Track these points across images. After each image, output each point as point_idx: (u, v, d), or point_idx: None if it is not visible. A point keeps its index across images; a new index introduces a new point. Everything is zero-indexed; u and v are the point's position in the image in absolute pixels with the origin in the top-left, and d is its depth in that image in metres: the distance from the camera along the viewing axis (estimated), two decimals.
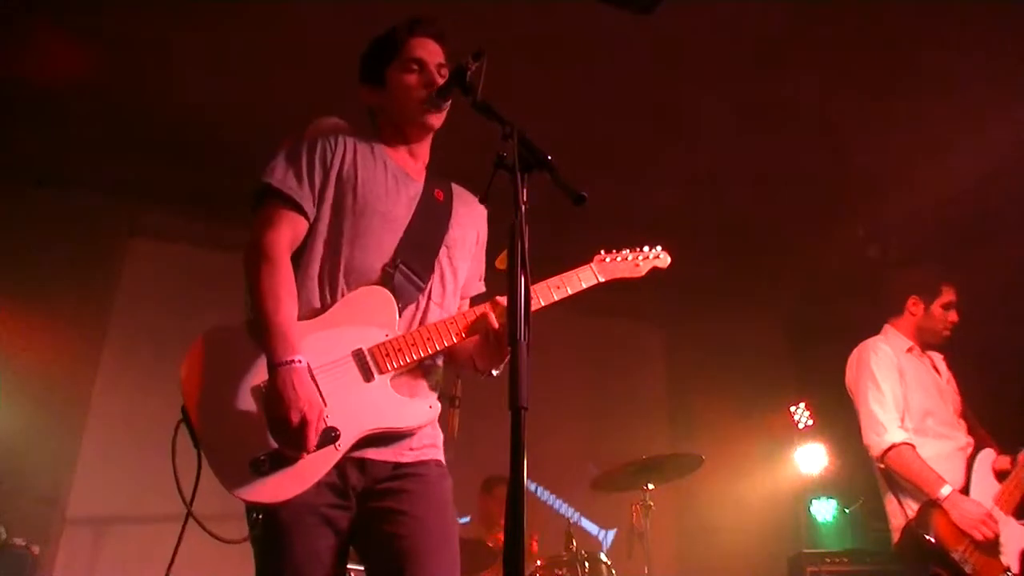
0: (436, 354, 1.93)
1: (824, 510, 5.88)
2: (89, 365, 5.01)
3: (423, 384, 1.94)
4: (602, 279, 2.17)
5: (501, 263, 1.88)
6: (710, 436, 5.88)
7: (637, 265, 2.27)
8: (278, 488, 1.68)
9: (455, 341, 1.91)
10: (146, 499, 4.71)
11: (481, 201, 1.71)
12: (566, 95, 4.51)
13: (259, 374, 1.74)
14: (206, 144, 4.90)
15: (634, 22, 3.95)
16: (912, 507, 3.21)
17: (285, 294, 1.79)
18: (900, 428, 3.27)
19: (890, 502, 3.33)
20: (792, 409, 6.15)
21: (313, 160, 1.95)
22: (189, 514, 1.69)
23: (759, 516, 6.09)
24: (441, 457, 1.98)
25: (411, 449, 1.90)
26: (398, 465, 1.87)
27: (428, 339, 1.88)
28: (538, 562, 4.02)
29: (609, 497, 4.70)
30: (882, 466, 3.30)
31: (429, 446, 1.94)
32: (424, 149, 2.15)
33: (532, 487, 5.82)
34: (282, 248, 1.84)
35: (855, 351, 3.56)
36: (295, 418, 1.65)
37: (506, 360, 1.88)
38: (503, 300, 1.91)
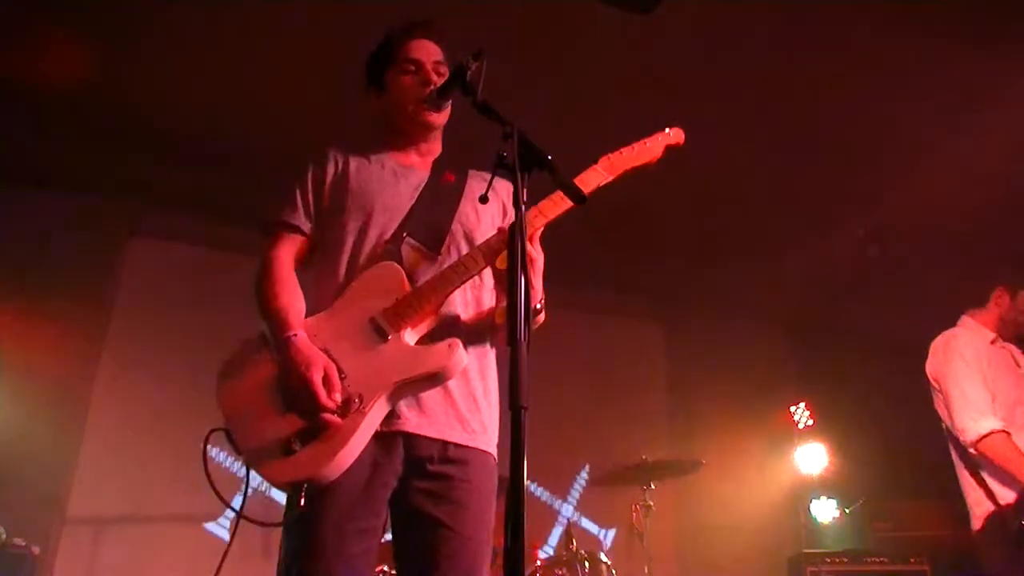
0: (448, 300, 1.90)
1: (824, 510, 5.88)
2: (89, 365, 4.99)
3: (443, 333, 1.89)
4: (611, 177, 2.03)
5: (501, 263, 1.88)
6: (710, 436, 5.88)
7: (648, 148, 2.15)
8: (312, 463, 1.70)
9: (464, 278, 1.87)
10: (146, 499, 4.70)
11: (481, 201, 1.71)
12: (565, 95, 4.52)
13: (275, 370, 1.81)
14: (206, 144, 4.90)
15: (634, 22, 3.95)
16: (1003, 494, 3.19)
17: (283, 290, 1.92)
18: (993, 415, 3.25)
19: (973, 488, 3.31)
20: (792, 409, 6.14)
21: (305, 183, 2.06)
22: (240, 516, 1.77)
23: (759, 516, 6.10)
24: (493, 450, 1.97)
25: (461, 430, 1.89)
26: (446, 445, 1.86)
27: (435, 287, 1.86)
28: (538, 562, 4.02)
29: (609, 497, 4.70)
30: (974, 452, 3.26)
31: (481, 432, 1.94)
32: (433, 146, 2.17)
33: (532, 487, 5.82)
34: (280, 261, 1.98)
35: (940, 339, 3.53)
36: (297, 381, 1.73)
37: (541, 296, 1.91)
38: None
